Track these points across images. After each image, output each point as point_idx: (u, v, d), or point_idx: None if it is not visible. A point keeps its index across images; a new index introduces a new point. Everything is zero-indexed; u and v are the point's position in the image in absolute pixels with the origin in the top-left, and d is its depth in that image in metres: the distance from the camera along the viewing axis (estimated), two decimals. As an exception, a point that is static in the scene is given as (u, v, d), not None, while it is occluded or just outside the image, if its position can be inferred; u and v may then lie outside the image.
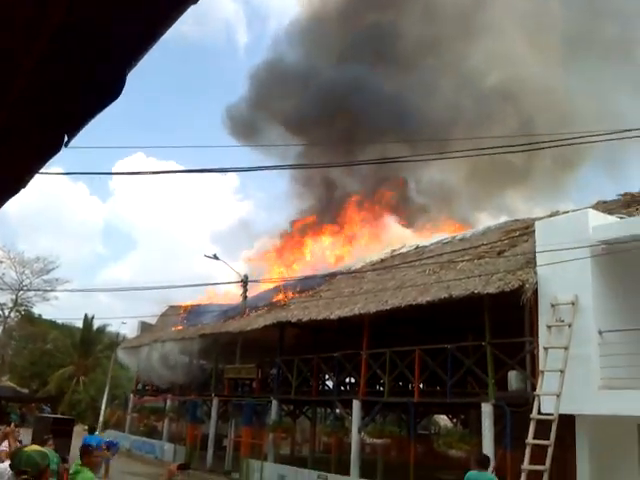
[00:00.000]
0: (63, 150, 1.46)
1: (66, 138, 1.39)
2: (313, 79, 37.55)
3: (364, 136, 34.26)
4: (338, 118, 35.69)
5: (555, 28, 36.05)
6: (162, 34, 1.35)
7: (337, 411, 25.16)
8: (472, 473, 10.13)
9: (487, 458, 10.74)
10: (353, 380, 24.02)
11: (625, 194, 16.79)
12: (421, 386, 18.45)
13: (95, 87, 1.28)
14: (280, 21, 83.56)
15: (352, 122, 35.44)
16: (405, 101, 35.20)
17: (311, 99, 36.00)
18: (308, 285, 26.10)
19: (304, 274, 28.20)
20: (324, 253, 35.32)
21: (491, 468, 10.58)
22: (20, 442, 12.80)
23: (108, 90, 1.28)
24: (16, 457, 4.10)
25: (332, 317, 19.14)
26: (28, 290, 50.00)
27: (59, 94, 1.25)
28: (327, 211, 37.86)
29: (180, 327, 31.53)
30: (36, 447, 4.38)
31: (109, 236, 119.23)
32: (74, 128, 1.34)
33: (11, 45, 1.13)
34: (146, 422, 32.15)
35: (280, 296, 27.17)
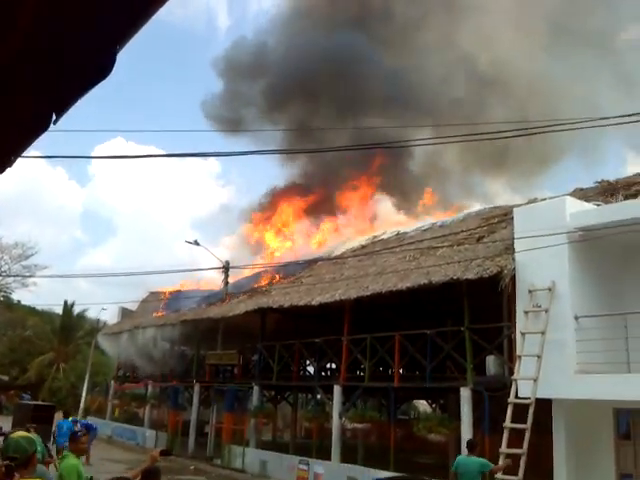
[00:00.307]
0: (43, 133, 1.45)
1: (54, 117, 1.33)
2: (297, 53, 37.23)
3: (356, 109, 34.27)
4: (325, 91, 35.61)
5: (541, 12, 36.12)
6: (154, 13, 1.32)
7: (318, 397, 25.33)
8: (461, 457, 10.59)
9: (474, 442, 10.98)
10: (334, 366, 24.15)
11: (602, 181, 16.96)
12: (401, 371, 18.60)
13: (85, 66, 1.27)
14: (261, 5, 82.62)
15: (341, 96, 35.40)
16: (394, 77, 35.19)
17: (295, 70, 35.68)
18: (290, 271, 26.15)
19: (286, 260, 28.22)
20: (308, 236, 35.35)
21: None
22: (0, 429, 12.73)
23: (98, 69, 1.28)
24: (4, 444, 4.11)
25: (313, 303, 19.21)
26: (7, 276, 49.46)
27: (49, 72, 1.24)
28: (315, 192, 37.79)
29: (161, 313, 31.46)
30: (23, 433, 4.38)
31: (88, 221, 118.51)
32: (63, 106, 1.31)
33: None
34: (127, 409, 32.13)
35: (263, 281, 27.22)
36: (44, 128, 1.39)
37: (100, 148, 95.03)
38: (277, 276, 26.91)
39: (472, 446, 10.61)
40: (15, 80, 1.20)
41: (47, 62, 1.21)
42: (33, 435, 5.53)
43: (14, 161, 1.52)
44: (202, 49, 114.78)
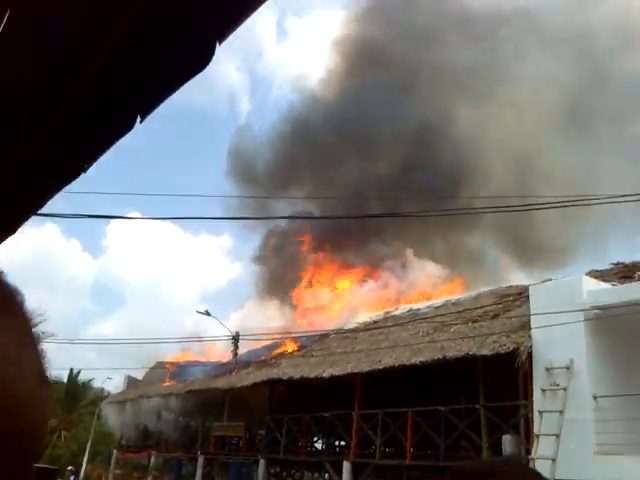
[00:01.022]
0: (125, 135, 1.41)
1: (139, 118, 1.32)
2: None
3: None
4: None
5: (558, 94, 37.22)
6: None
7: (326, 476, 24.62)
8: None
9: None
10: (343, 443, 23.63)
11: (618, 264, 17.11)
12: (413, 450, 18.17)
13: (182, 57, 1.23)
14: (282, 90, 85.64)
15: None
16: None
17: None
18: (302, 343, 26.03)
19: (300, 330, 28.14)
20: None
21: None
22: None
23: (196, 60, 1.22)
24: None
25: (324, 375, 19.00)
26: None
27: (140, 70, 1.22)
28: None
29: (168, 383, 31.11)
30: None
31: (99, 292, 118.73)
32: (150, 107, 1.30)
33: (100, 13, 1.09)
34: (129, 479, 31.28)
35: (275, 351, 27.05)
36: (128, 130, 1.36)
37: (116, 223, 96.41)
38: (294, 345, 26.67)
39: None
40: (107, 78, 1.19)
41: (142, 59, 1.20)
42: None
43: (88, 168, 1.55)
44: (226, 131, 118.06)
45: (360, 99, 37.97)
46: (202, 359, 34.20)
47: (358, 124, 37.33)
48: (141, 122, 1.41)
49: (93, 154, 1.44)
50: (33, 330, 0.47)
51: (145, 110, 1.39)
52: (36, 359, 0.46)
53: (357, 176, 37.06)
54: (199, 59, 1.24)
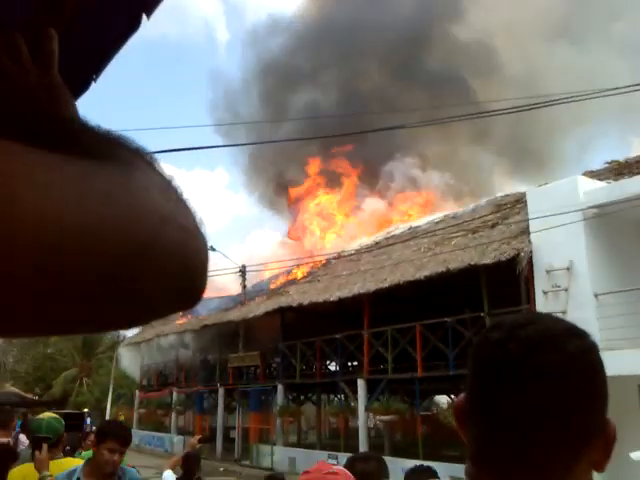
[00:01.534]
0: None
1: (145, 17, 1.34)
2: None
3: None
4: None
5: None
6: None
7: (342, 397, 25.40)
8: None
9: None
10: (356, 363, 24.24)
11: (612, 162, 16.99)
12: (422, 363, 18.63)
13: None
14: (258, 17, 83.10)
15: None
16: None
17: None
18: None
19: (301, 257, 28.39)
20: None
21: None
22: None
23: None
24: (35, 424, 4.23)
25: (332, 299, 19.31)
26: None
27: None
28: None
29: (181, 320, 31.66)
30: (51, 414, 4.50)
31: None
32: (153, 6, 1.27)
33: None
34: (153, 417, 32.34)
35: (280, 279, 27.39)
36: (134, 29, 1.36)
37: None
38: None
39: None
40: None
41: None
42: None
43: (98, 76, 1.50)
44: (203, 63, 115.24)
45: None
46: (212, 294, 34.66)
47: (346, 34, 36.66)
48: (148, 19, 1.38)
49: (101, 60, 1.41)
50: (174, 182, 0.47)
51: (150, 7, 1.36)
52: (186, 203, 0.46)
53: (348, 89, 36.60)
54: None
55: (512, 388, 0.75)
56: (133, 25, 1.32)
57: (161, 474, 6.00)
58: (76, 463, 3.82)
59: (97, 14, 1.31)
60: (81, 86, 1.50)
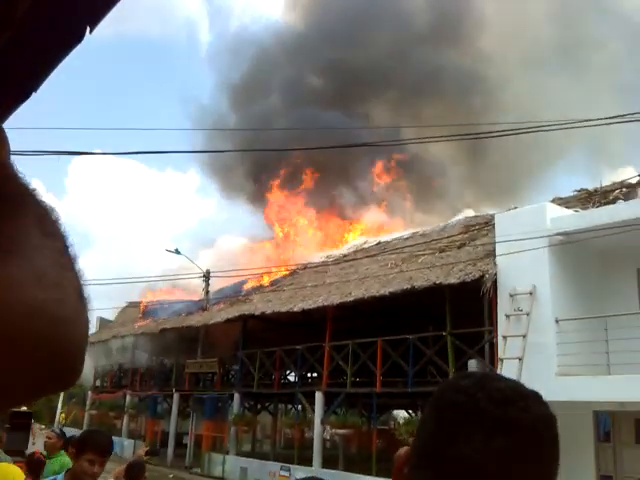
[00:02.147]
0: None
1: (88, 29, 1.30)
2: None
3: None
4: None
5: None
6: None
7: (299, 407, 25.24)
8: None
9: None
10: (315, 375, 24.13)
11: (581, 190, 17.27)
12: (382, 379, 18.63)
13: None
14: (242, 19, 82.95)
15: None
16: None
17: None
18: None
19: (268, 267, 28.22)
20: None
21: None
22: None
23: None
24: None
25: (295, 309, 19.20)
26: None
27: None
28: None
29: (141, 323, 31.18)
30: None
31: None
32: (99, 15, 1.29)
33: None
34: (104, 419, 31.68)
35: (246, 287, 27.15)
36: (77, 41, 1.32)
37: (77, 161, 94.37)
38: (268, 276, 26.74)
39: None
40: None
41: None
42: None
43: (38, 86, 1.45)
44: (185, 63, 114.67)
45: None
46: (174, 298, 34.23)
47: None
48: (91, 32, 1.29)
49: (42, 71, 1.31)
50: (70, 249, 0.46)
51: (94, 19, 1.27)
52: (76, 279, 0.45)
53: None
54: None
55: (477, 437, 0.75)
56: (76, 38, 1.30)
57: None
58: (11, 470, 3.67)
59: (39, 26, 1.27)
60: (20, 98, 1.42)
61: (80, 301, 0.45)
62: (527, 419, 0.77)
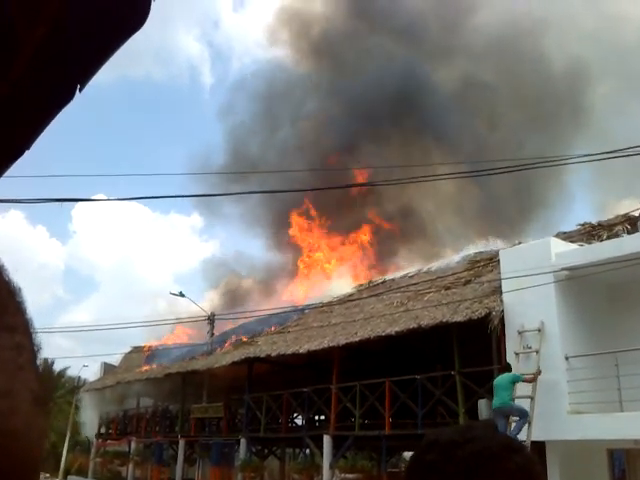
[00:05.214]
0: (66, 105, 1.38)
1: (79, 87, 1.30)
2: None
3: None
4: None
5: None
6: None
7: (307, 451, 24.80)
8: (496, 379, 12.47)
9: (509, 365, 12.60)
10: (323, 417, 23.77)
11: (584, 224, 17.25)
12: (391, 420, 18.34)
13: (115, 17, 1.14)
14: (243, 62, 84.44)
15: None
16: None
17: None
18: (277, 322, 25.95)
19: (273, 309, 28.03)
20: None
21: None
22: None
23: (132, 17, 1.12)
24: None
25: (301, 351, 19.00)
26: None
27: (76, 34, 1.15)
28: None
29: (145, 368, 30.90)
30: None
31: (70, 279, 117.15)
32: (88, 74, 1.25)
33: None
34: (110, 467, 31.15)
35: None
36: (67, 101, 1.33)
37: (81, 206, 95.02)
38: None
39: (507, 368, 12.47)
40: (41, 57, 1.14)
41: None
42: None
43: (30, 146, 1.46)
44: (188, 106, 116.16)
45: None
46: (178, 341, 34.02)
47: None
48: (80, 91, 1.30)
49: (34, 130, 1.31)
50: (33, 338, 0.42)
51: (84, 78, 1.28)
52: (32, 381, 0.40)
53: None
54: (135, 14, 1.14)
55: None
56: (66, 97, 1.28)
57: None
58: None
59: (30, 87, 1.25)
60: (12, 156, 1.42)
61: (35, 407, 0.39)
62: None
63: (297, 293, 34.66)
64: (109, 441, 32.18)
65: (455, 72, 38.91)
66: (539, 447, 12.31)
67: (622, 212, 16.57)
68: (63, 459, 35.23)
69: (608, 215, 17.00)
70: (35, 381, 0.40)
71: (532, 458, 0.78)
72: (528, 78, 36.97)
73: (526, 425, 12.08)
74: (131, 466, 28.67)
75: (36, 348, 0.41)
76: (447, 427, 0.88)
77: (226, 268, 43.65)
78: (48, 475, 31.86)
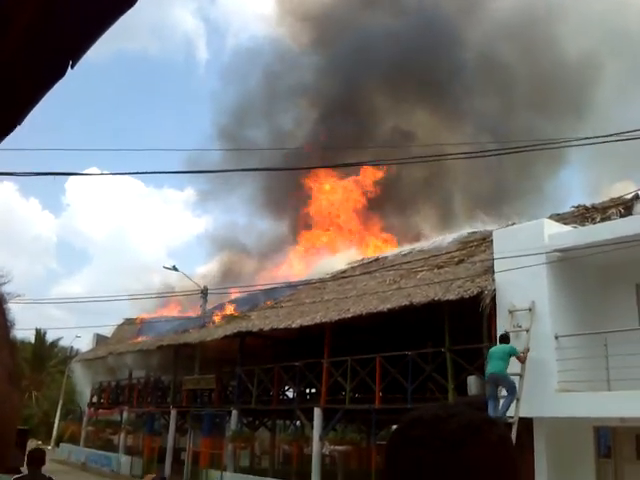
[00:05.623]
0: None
1: (70, 63, 1.29)
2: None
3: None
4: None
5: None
6: None
7: (297, 423, 25.09)
8: (493, 348, 12.67)
9: (508, 335, 12.75)
10: (314, 390, 24.05)
11: (578, 206, 17.36)
12: (382, 394, 18.60)
13: None
14: (239, 37, 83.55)
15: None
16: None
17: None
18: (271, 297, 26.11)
19: (266, 284, 28.18)
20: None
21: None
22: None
23: None
24: None
25: (293, 326, 19.17)
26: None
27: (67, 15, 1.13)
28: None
29: (137, 339, 31.08)
30: None
31: (63, 251, 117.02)
32: (80, 50, 1.23)
33: None
34: (101, 435, 31.48)
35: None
36: (59, 77, 1.33)
37: (75, 179, 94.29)
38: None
39: (505, 338, 12.64)
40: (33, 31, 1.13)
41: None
42: None
43: (22, 121, 1.48)
44: (183, 81, 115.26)
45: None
46: (171, 314, 34.18)
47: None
48: (72, 67, 1.33)
49: (26, 106, 1.35)
50: (6, 314, 0.41)
51: (76, 54, 1.31)
52: (7, 357, 0.39)
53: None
54: None
55: None
56: (58, 73, 1.29)
57: None
58: None
59: (23, 63, 1.26)
60: (3, 131, 1.46)
61: (10, 383, 0.40)
62: (483, 454, 0.77)
63: (296, 266, 34.84)
64: (101, 410, 32.48)
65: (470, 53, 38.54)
66: (527, 424, 12.57)
67: (616, 195, 16.69)
68: (55, 427, 35.51)
69: (602, 198, 17.10)
70: (9, 357, 0.40)
71: (507, 431, 0.84)
72: (541, 62, 36.80)
73: (514, 402, 12.31)
74: (123, 435, 28.99)
75: (9, 324, 0.41)
76: (427, 405, 0.89)
77: (223, 242, 43.69)
78: (40, 442, 32.12)
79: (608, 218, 14.73)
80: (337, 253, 32.92)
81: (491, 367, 12.38)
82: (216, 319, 26.80)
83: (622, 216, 14.48)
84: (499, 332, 13.55)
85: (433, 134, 31.70)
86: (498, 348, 12.54)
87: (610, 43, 38.04)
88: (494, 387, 12.50)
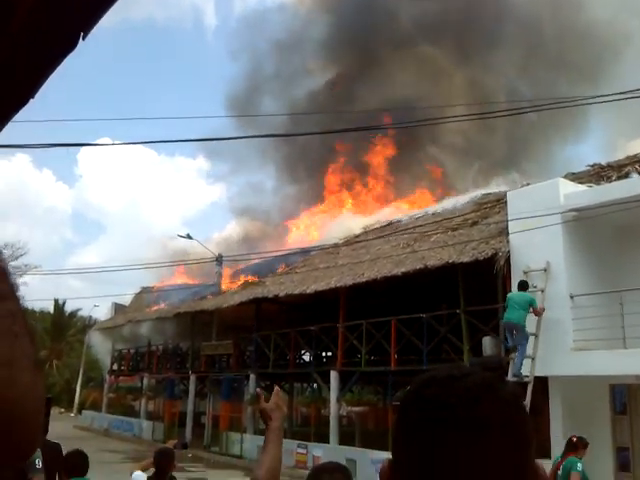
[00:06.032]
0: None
1: (82, 35, 1.28)
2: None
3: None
4: None
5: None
6: None
7: (314, 386, 25.42)
8: (513, 293, 12.69)
9: (526, 283, 12.74)
10: (330, 354, 24.31)
11: (594, 165, 17.15)
12: (397, 357, 18.76)
13: None
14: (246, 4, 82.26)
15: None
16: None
17: None
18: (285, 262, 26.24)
19: (281, 251, 28.30)
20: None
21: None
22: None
23: None
24: None
25: (308, 291, 19.29)
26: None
27: None
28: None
29: (155, 307, 31.45)
30: None
31: (78, 222, 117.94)
32: (91, 23, 1.25)
33: None
34: (123, 401, 32.14)
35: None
36: (71, 49, 1.30)
37: (87, 149, 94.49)
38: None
39: (524, 285, 12.63)
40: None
41: None
42: None
43: (35, 93, 1.48)
44: (191, 48, 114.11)
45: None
46: (187, 282, 34.48)
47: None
48: (84, 39, 1.34)
49: (39, 78, 1.36)
50: (21, 303, 0.41)
51: (87, 26, 1.32)
52: (28, 346, 0.40)
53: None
54: None
55: (458, 442, 0.75)
56: (69, 45, 1.31)
57: (131, 474, 5.78)
58: None
59: (34, 37, 1.28)
60: (17, 105, 1.46)
61: (33, 371, 0.40)
62: (498, 409, 0.78)
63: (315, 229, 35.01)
64: (121, 377, 33.08)
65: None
66: (542, 382, 12.67)
67: (632, 153, 16.47)
68: (77, 395, 36.23)
69: (618, 156, 16.87)
70: (30, 346, 0.41)
71: (519, 389, 0.85)
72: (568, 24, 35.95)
73: (529, 360, 12.38)
74: (144, 401, 29.57)
75: (24, 313, 0.42)
76: (440, 366, 0.89)
77: (241, 209, 43.77)
78: (63, 410, 32.83)
79: (625, 176, 14.56)
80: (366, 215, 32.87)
81: (510, 314, 12.42)
82: (232, 286, 27.00)
83: (639, 174, 14.32)
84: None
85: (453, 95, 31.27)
86: (518, 296, 12.54)
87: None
88: (510, 334, 12.71)
